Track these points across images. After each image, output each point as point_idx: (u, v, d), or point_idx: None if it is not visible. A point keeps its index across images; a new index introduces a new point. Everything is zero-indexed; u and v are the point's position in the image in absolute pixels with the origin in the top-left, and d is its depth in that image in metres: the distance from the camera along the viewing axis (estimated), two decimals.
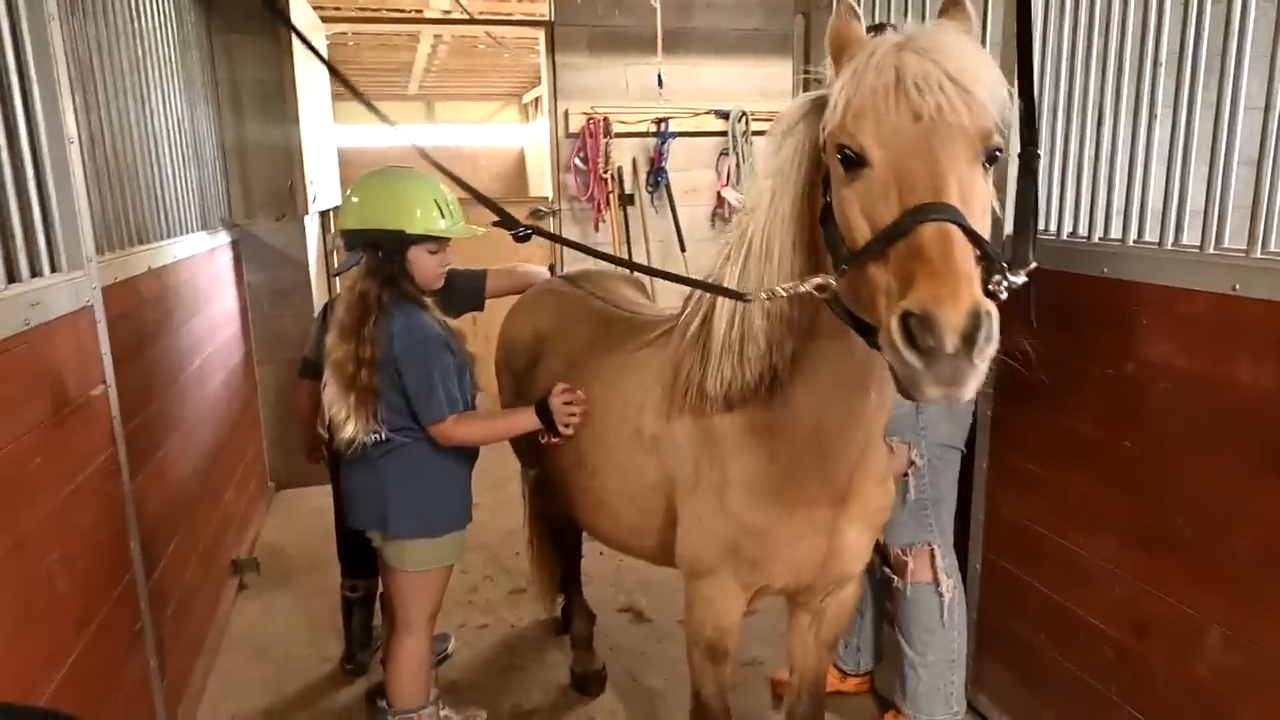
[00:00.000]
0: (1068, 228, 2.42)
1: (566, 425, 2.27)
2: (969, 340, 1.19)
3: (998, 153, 1.39)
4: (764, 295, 1.66)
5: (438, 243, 2.33)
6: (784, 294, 1.62)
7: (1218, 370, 1.94)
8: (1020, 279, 1.43)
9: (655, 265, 5.85)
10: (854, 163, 1.40)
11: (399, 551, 2.37)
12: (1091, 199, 2.33)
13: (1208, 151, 1.97)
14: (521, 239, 2.24)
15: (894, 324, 1.25)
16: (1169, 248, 2.09)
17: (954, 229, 1.27)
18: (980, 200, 1.37)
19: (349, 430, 2.26)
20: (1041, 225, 2.50)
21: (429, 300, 2.37)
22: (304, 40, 2.26)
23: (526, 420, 2.33)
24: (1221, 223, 1.96)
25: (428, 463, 2.34)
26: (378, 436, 2.29)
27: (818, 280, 1.52)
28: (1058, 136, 2.42)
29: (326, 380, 2.28)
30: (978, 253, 1.31)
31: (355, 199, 2.33)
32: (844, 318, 1.55)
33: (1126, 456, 2.19)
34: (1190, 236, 2.08)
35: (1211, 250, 1.97)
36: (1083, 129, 2.35)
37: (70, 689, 1.91)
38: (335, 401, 2.26)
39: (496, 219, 2.23)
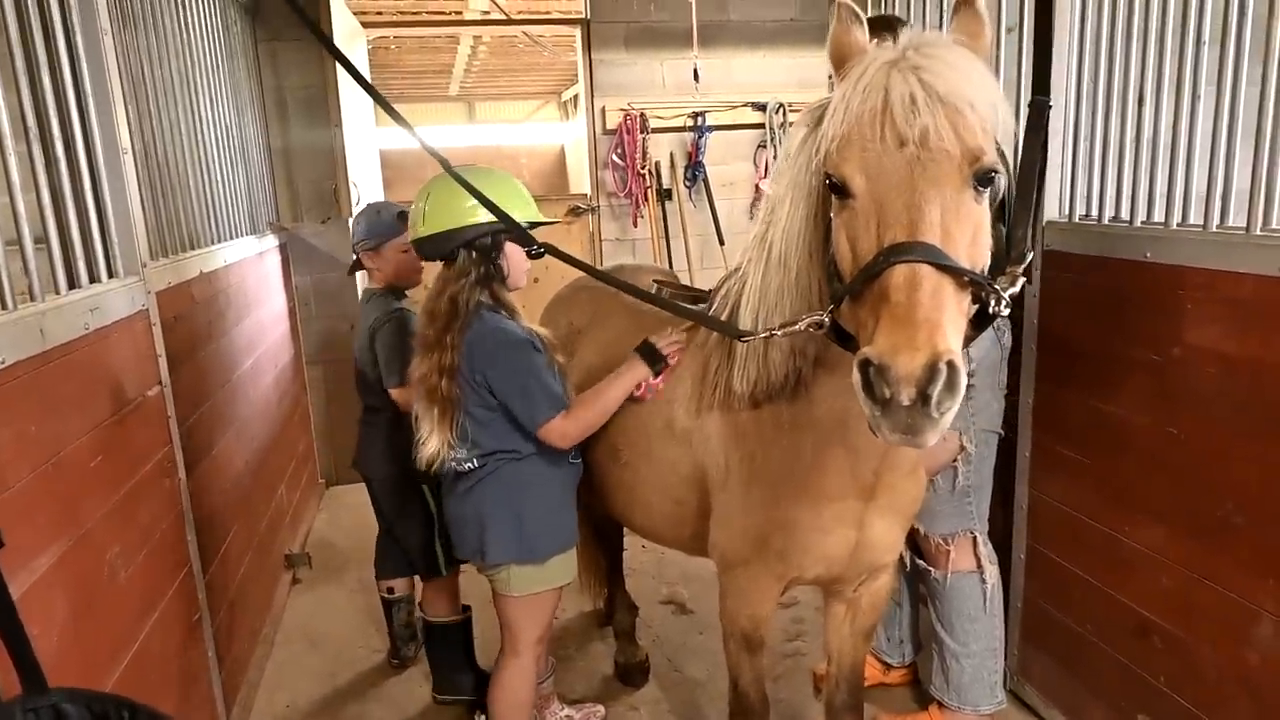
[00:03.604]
0: (1109, 212, 2.38)
1: (671, 355, 2.15)
2: (926, 392, 1.19)
3: (993, 174, 1.35)
4: (762, 335, 1.69)
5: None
6: (780, 334, 1.65)
7: (1266, 353, 1.90)
8: (1017, 287, 1.41)
9: (694, 260, 5.87)
10: (841, 192, 1.39)
11: (504, 578, 2.28)
12: (1133, 182, 2.29)
13: (1253, 131, 1.93)
14: (534, 257, 2.16)
15: (854, 370, 1.26)
16: (1214, 230, 2.05)
17: (925, 270, 1.25)
18: (968, 227, 1.34)
19: (431, 446, 2.17)
20: (1082, 210, 2.48)
21: (515, 305, 2.26)
22: (325, 43, 2.21)
23: (630, 375, 2.16)
24: (1269, 204, 1.91)
25: (526, 486, 2.23)
26: (470, 465, 2.20)
27: (813, 318, 1.55)
28: (1098, 118, 2.38)
29: (415, 399, 2.21)
30: (966, 280, 1.30)
31: (446, 197, 2.14)
32: (840, 344, 1.57)
33: (1173, 443, 2.15)
34: (1236, 219, 2.04)
35: (1258, 231, 1.92)
36: (1123, 110, 2.31)
37: (133, 677, 1.99)
38: (421, 418, 2.18)
39: (505, 229, 2.12)
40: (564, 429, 2.16)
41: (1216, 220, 2.06)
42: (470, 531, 2.29)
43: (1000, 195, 1.94)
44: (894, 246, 1.28)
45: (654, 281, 2.53)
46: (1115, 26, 2.30)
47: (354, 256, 3.09)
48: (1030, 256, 1.52)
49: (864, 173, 1.34)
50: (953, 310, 1.28)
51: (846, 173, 1.36)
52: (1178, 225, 2.16)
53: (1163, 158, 2.21)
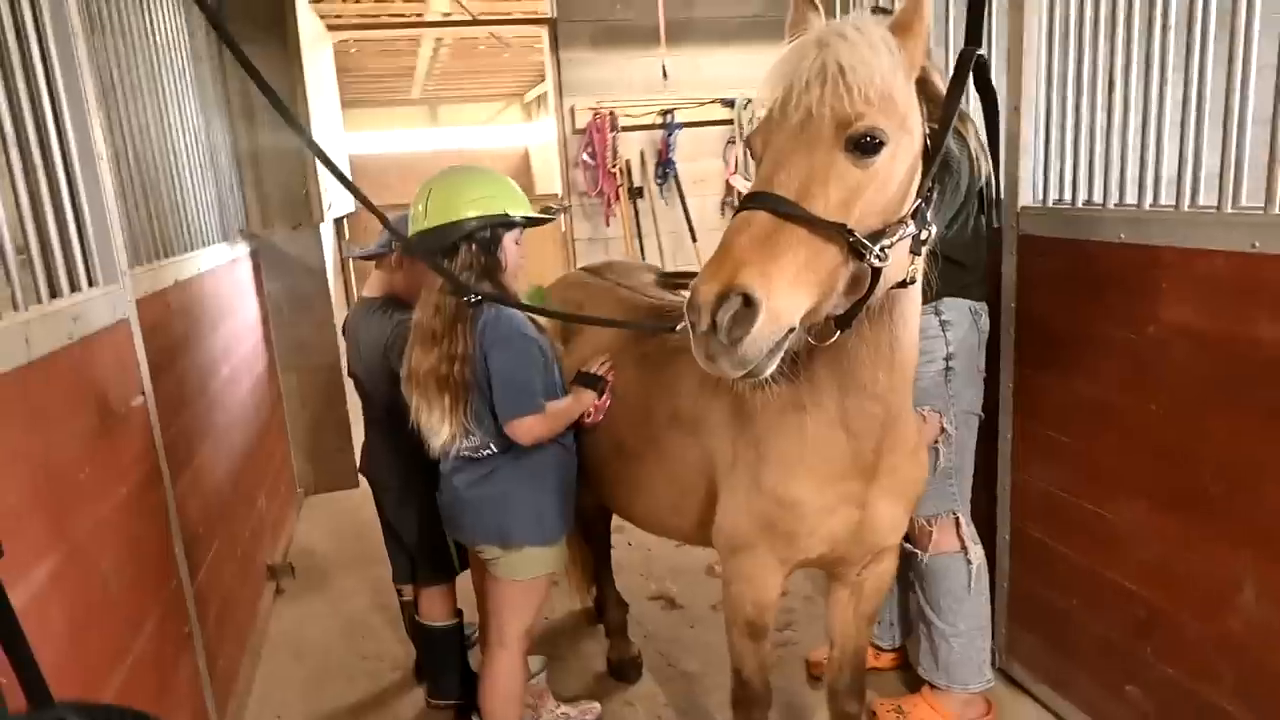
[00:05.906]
0: (1083, 196, 2.44)
1: (606, 374, 2.34)
2: (715, 319, 1.30)
3: (869, 139, 1.40)
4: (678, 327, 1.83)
5: (521, 231, 2.30)
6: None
7: (1240, 328, 1.96)
8: (890, 239, 1.44)
9: (667, 257, 5.89)
10: (756, 161, 1.53)
11: (512, 562, 2.30)
12: (1105, 166, 2.34)
13: (1221, 112, 1.99)
14: (473, 305, 2.18)
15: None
16: (1185, 210, 2.11)
17: (756, 215, 1.37)
18: (837, 187, 1.40)
19: (444, 434, 2.20)
20: (1056, 194, 2.53)
21: (519, 295, 2.33)
22: (238, 53, 2.08)
23: (578, 400, 2.31)
24: (1238, 183, 1.97)
25: (545, 470, 2.30)
26: (489, 450, 2.25)
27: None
28: (1069, 104, 2.43)
29: (413, 393, 2.22)
30: (828, 232, 1.38)
31: (446, 193, 2.23)
32: None
33: (1151, 420, 2.21)
34: (1206, 199, 2.09)
35: (1229, 210, 1.98)
36: (1094, 95, 2.36)
37: (129, 688, 1.96)
38: (425, 409, 2.19)
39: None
40: (533, 429, 2.23)
41: (1188, 200, 2.11)
42: (490, 515, 2.30)
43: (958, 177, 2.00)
44: (744, 198, 1.42)
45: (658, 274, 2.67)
46: (1084, 12, 2.35)
47: (380, 248, 2.79)
48: (928, 217, 1.56)
49: (762, 143, 1.49)
50: (789, 256, 1.35)
51: (753, 144, 1.53)
52: (1150, 206, 2.22)
53: (1133, 141, 2.26)
